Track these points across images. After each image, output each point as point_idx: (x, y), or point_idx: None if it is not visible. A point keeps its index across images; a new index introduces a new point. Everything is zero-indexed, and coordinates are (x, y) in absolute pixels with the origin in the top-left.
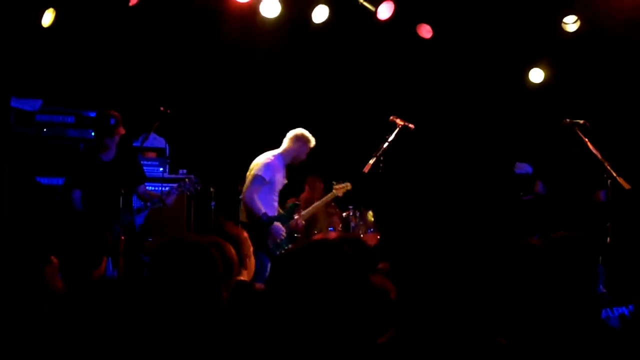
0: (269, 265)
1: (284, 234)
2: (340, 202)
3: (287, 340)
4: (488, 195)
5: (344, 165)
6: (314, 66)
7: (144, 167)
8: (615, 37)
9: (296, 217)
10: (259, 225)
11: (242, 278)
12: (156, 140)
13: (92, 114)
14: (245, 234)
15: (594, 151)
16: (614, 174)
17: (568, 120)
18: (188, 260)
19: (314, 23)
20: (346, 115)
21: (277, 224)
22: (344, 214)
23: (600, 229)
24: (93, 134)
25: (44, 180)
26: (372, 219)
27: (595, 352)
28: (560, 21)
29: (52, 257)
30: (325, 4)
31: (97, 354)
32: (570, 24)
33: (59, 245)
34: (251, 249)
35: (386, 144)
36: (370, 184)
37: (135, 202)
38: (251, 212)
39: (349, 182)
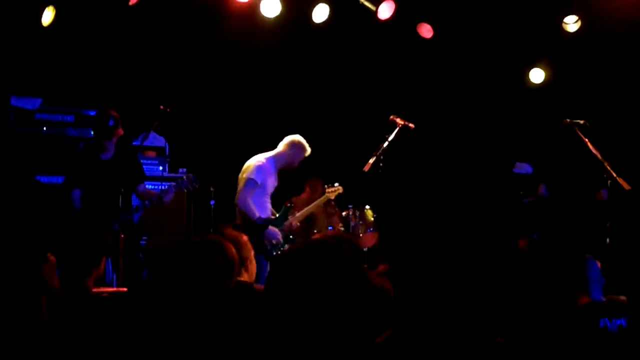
0: (266, 267)
1: (279, 236)
2: (340, 202)
3: (286, 341)
4: (488, 195)
5: (344, 164)
6: (314, 65)
7: (144, 166)
8: (615, 37)
9: (290, 218)
10: (254, 228)
11: (242, 279)
12: (156, 139)
13: (92, 113)
14: (245, 238)
15: (594, 151)
16: (614, 175)
17: (568, 120)
18: (189, 265)
19: (314, 22)
20: (346, 115)
21: (272, 228)
22: (344, 214)
23: (602, 228)
24: (92, 133)
25: (43, 179)
26: (372, 219)
27: (592, 352)
28: (561, 21)
29: (50, 255)
30: (326, 3)
31: (97, 354)
32: (571, 24)
33: (58, 244)
34: (252, 252)
35: (386, 143)
36: (370, 183)
37: (134, 201)
38: (245, 215)
39: (340, 185)
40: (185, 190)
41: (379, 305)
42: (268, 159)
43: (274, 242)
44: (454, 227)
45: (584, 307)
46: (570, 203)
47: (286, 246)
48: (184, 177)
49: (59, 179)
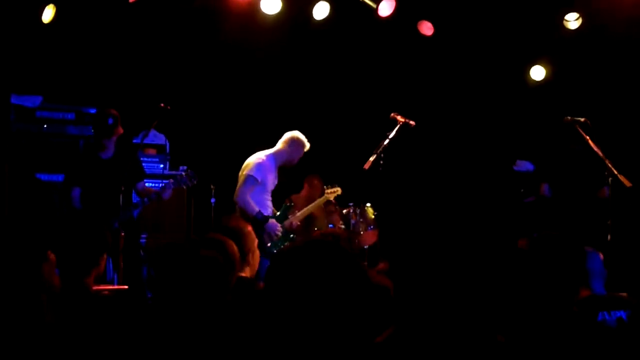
0: (266, 264)
1: (279, 230)
2: (340, 200)
3: (286, 339)
4: (488, 193)
5: (344, 162)
6: (315, 63)
7: (144, 164)
8: (616, 34)
9: (290, 217)
10: (254, 224)
11: (244, 274)
12: (156, 137)
13: (93, 111)
14: (250, 228)
15: (595, 149)
16: (615, 172)
17: (569, 117)
18: (189, 263)
19: (315, 20)
20: (347, 112)
21: (272, 220)
22: (344, 211)
23: (603, 226)
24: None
25: (44, 177)
26: (373, 216)
27: (591, 350)
28: (562, 19)
29: (49, 253)
30: (326, 0)
31: (97, 352)
32: (572, 21)
33: (58, 243)
34: (255, 242)
35: (387, 141)
36: (371, 181)
37: (134, 199)
38: (245, 212)
39: (339, 186)
40: (184, 187)
41: (379, 303)
42: (268, 156)
43: (273, 236)
44: (454, 225)
45: (583, 300)
46: (571, 201)
47: (286, 244)
48: (183, 173)
49: (60, 177)
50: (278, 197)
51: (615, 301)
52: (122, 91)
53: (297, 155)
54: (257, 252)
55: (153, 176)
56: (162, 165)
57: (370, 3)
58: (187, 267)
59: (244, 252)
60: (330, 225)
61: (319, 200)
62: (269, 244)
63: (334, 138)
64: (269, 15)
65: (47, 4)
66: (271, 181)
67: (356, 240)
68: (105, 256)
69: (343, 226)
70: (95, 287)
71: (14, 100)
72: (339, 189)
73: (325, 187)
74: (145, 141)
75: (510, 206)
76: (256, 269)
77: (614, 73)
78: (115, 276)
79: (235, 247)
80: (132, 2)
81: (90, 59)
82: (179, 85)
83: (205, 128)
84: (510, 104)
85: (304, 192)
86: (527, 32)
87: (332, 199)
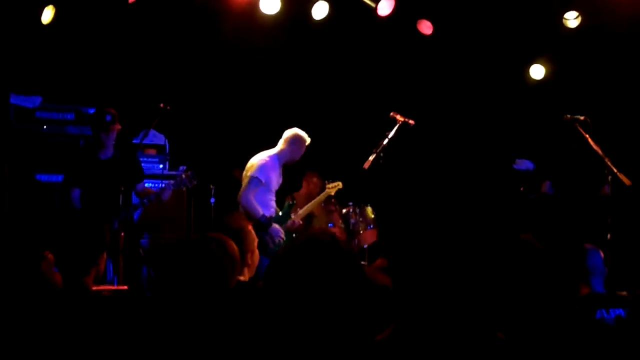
0: (266, 263)
1: (282, 234)
2: (340, 199)
3: (285, 338)
4: (488, 191)
5: (344, 161)
6: (314, 63)
7: (144, 164)
8: (616, 33)
9: (293, 216)
10: (258, 227)
11: (242, 277)
12: (156, 137)
13: (92, 111)
14: (250, 227)
15: (595, 147)
16: (615, 170)
17: (569, 116)
18: (189, 262)
19: (314, 19)
20: (346, 112)
21: (275, 225)
22: (344, 211)
23: (604, 224)
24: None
25: (44, 177)
26: (372, 215)
27: (589, 348)
28: (561, 17)
29: (47, 253)
30: (325, 0)
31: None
32: (571, 19)
33: (57, 243)
34: (255, 242)
35: (386, 140)
36: (370, 180)
37: (133, 200)
38: (249, 214)
39: (340, 181)
40: (184, 188)
41: (377, 301)
42: (271, 157)
43: (276, 240)
44: (454, 223)
45: (582, 298)
46: (572, 199)
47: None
48: (182, 174)
49: (59, 178)
50: (278, 195)
51: (615, 299)
52: (122, 91)
53: (299, 152)
54: (257, 252)
55: (153, 176)
56: (161, 166)
57: (370, 2)
58: (186, 266)
59: (244, 252)
60: (330, 225)
61: (321, 196)
62: (271, 247)
63: (333, 137)
64: (268, 15)
65: (47, 4)
66: (275, 181)
67: (356, 240)
68: (104, 256)
69: (343, 225)
70: (95, 288)
71: (13, 100)
72: (339, 183)
73: (326, 182)
74: (144, 141)
75: (510, 204)
76: (255, 269)
77: (613, 71)
78: (116, 276)
79: (235, 247)
80: (132, 3)
81: (89, 59)
82: (179, 85)
83: (204, 128)
84: (510, 103)
85: (303, 190)
86: (526, 30)
87: (333, 193)
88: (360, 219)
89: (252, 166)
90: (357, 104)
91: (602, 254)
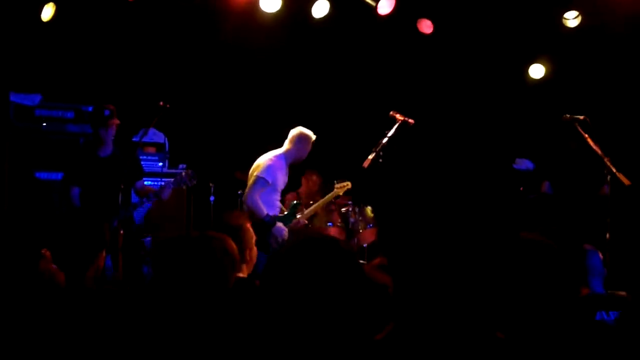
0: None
1: (286, 234)
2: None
3: (284, 338)
4: (487, 190)
5: (343, 160)
6: (314, 61)
7: (144, 162)
8: (616, 32)
9: (298, 216)
10: (262, 226)
11: (241, 275)
12: (156, 135)
13: (92, 109)
14: (249, 224)
15: (594, 147)
16: (614, 170)
17: (568, 115)
18: (188, 259)
19: (314, 18)
20: (346, 110)
21: (279, 224)
22: (343, 210)
23: (603, 224)
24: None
25: (43, 175)
26: (372, 215)
27: (589, 349)
28: (561, 16)
29: (45, 251)
30: None
31: (95, 350)
32: (571, 19)
33: (56, 240)
34: (253, 239)
35: (386, 139)
36: (370, 179)
37: (133, 198)
38: (254, 214)
39: (349, 181)
40: (184, 187)
41: (377, 300)
42: (279, 157)
43: (279, 239)
44: (453, 222)
45: (582, 299)
46: (571, 199)
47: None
48: (182, 173)
49: (59, 175)
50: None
51: (614, 300)
52: (122, 89)
53: (306, 151)
54: (255, 249)
55: (152, 174)
56: (161, 164)
57: (370, 1)
58: (186, 264)
59: (242, 249)
60: (329, 224)
61: (328, 196)
62: (274, 246)
63: (333, 136)
64: (268, 13)
65: (47, 2)
66: (281, 181)
67: (355, 239)
68: (103, 254)
69: (342, 224)
70: (94, 286)
71: (13, 98)
72: (348, 183)
73: (335, 181)
74: (144, 139)
75: (509, 203)
76: (253, 265)
77: (613, 71)
78: (115, 274)
79: (234, 246)
80: (132, 1)
81: (89, 57)
82: (178, 83)
83: (204, 126)
84: (510, 102)
85: (302, 188)
86: (526, 30)
87: (341, 193)
88: (360, 218)
89: (258, 166)
90: (356, 103)
91: (601, 255)
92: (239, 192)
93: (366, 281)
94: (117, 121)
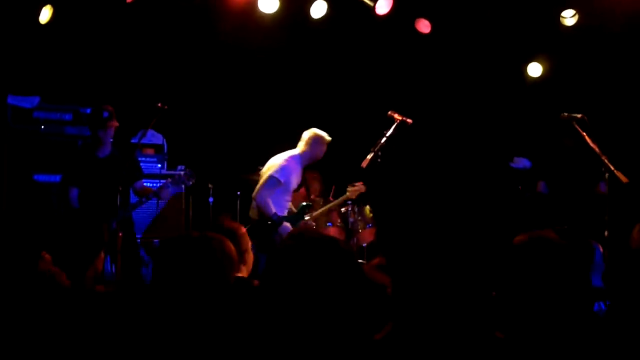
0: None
1: None
2: (339, 198)
3: (283, 337)
4: (486, 189)
5: (342, 160)
6: (313, 62)
7: (142, 164)
8: (613, 31)
9: (307, 217)
10: (269, 225)
11: (240, 274)
12: (154, 137)
13: (90, 111)
14: (244, 229)
15: (592, 145)
16: (612, 168)
17: (566, 114)
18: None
19: (313, 18)
20: (345, 111)
21: (287, 224)
22: (343, 210)
23: (601, 221)
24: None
25: (42, 177)
26: (371, 215)
27: (590, 346)
28: (559, 15)
29: (44, 253)
30: None
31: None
32: (569, 17)
33: (55, 242)
34: (249, 244)
35: (384, 139)
36: (368, 179)
37: (132, 199)
38: (262, 212)
39: (362, 184)
40: (183, 187)
41: (375, 299)
42: (294, 158)
43: None
44: (452, 222)
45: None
46: (569, 197)
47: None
48: (181, 173)
49: (57, 177)
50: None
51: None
52: (120, 91)
53: (321, 153)
54: (252, 254)
55: (151, 176)
56: (159, 165)
57: (368, 1)
58: (187, 264)
59: (240, 252)
60: (328, 224)
61: (340, 199)
62: None
63: (331, 136)
64: (266, 14)
65: (45, 4)
66: (294, 183)
67: (354, 238)
68: (102, 255)
69: (341, 224)
70: (93, 287)
71: (11, 100)
72: (362, 186)
73: (349, 185)
74: (143, 141)
75: (507, 203)
76: (251, 269)
77: (611, 70)
78: (114, 275)
79: (232, 247)
80: (130, 2)
81: (87, 59)
82: (177, 84)
83: (203, 127)
84: (508, 101)
85: (302, 190)
86: (524, 28)
87: (354, 197)
88: (359, 218)
89: (273, 166)
90: (355, 103)
91: (601, 249)
92: (238, 192)
93: (365, 281)
94: (116, 123)
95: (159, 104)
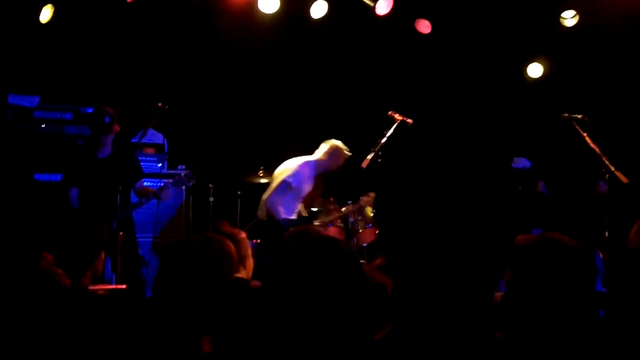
0: None
1: None
2: (339, 198)
3: (283, 337)
4: (486, 190)
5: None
6: (312, 62)
7: (143, 163)
8: (613, 31)
9: (316, 223)
10: (277, 227)
11: (240, 275)
12: (154, 136)
13: (90, 111)
14: (243, 235)
15: (592, 145)
16: (612, 168)
17: (566, 114)
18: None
19: (313, 18)
20: (345, 111)
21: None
22: (343, 209)
23: (601, 222)
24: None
25: (42, 177)
26: (371, 215)
27: (593, 348)
28: (559, 16)
29: (45, 254)
30: None
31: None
32: (569, 18)
33: (55, 242)
34: (249, 249)
35: (384, 139)
36: (369, 179)
37: (132, 199)
38: (271, 215)
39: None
40: (183, 187)
41: (375, 299)
42: (309, 164)
43: None
44: (452, 222)
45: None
46: (569, 197)
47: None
48: (181, 173)
49: (58, 177)
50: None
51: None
52: (120, 90)
53: (337, 165)
54: (252, 258)
55: (151, 175)
56: (160, 165)
57: (368, 1)
58: (188, 265)
59: (240, 256)
60: (329, 224)
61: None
62: None
63: (332, 136)
64: (266, 14)
65: (45, 3)
66: (306, 190)
67: (355, 239)
68: (102, 256)
69: (342, 224)
70: (93, 287)
71: (11, 100)
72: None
73: (363, 195)
74: (143, 140)
75: (508, 203)
76: (251, 273)
77: (611, 70)
78: (114, 276)
79: (233, 247)
80: (130, 2)
81: (88, 58)
82: (177, 84)
83: (203, 127)
84: (508, 102)
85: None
86: (524, 29)
87: (370, 213)
88: (359, 218)
89: (287, 170)
90: (355, 103)
91: (600, 255)
92: (239, 192)
93: (366, 281)
94: (117, 128)
95: (160, 104)
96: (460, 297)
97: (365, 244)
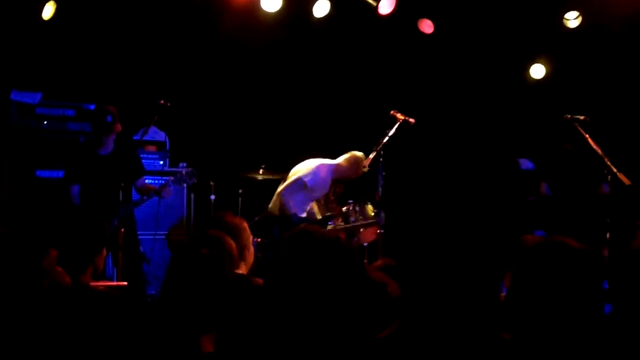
0: None
1: None
2: (340, 197)
3: (286, 336)
4: (489, 190)
5: None
6: (315, 61)
7: (144, 161)
8: (616, 32)
9: (330, 225)
10: (289, 223)
11: (240, 271)
12: (156, 134)
13: (93, 107)
14: (245, 224)
15: (594, 147)
16: (614, 170)
17: (569, 115)
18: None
19: (315, 18)
20: (347, 110)
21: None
22: (344, 209)
23: (603, 223)
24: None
25: (44, 174)
26: (372, 213)
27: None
28: (562, 17)
29: (51, 250)
30: None
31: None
32: (572, 19)
33: (57, 239)
34: (250, 239)
35: (386, 139)
36: (371, 178)
37: (134, 196)
38: (284, 209)
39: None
40: (184, 185)
41: (376, 299)
42: (328, 167)
43: None
44: (456, 222)
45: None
46: (571, 199)
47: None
48: (183, 171)
49: (60, 174)
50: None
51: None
52: (122, 88)
53: (353, 174)
54: (252, 249)
55: (153, 173)
56: (162, 162)
57: (371, 1)
58: (186, 265)
59: (240, 248)
60: (330, 223)
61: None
62: None
63: (333, 136)
64: (269, 13)
65: (47, 0)
66: (320, 192)
67: (356, 238)
68: (103, 253)
69: (343, 224)
70: (94, 283)
71: (14, 96)
72: None
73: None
74: (145, 138)
75: (511, 204)
76: (250, 265)
77: (613, 71)
78: (115, 272)
79: (233, 244)
80: None
81: (90, 55)
82: (179, 82)
83: (205, 125)
84: (510, 102)
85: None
86: (527, 30)
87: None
88: (360, 217)
89: (306, 169)
90: (357, 103)
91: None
92: (240, 190)
93: (367, 280)
94: (119, 127)
95: (162, 101)
96: (467, 298)
97: (365, 243)
